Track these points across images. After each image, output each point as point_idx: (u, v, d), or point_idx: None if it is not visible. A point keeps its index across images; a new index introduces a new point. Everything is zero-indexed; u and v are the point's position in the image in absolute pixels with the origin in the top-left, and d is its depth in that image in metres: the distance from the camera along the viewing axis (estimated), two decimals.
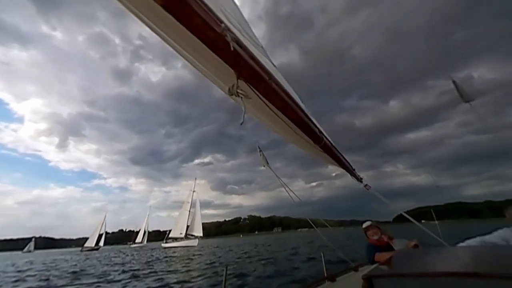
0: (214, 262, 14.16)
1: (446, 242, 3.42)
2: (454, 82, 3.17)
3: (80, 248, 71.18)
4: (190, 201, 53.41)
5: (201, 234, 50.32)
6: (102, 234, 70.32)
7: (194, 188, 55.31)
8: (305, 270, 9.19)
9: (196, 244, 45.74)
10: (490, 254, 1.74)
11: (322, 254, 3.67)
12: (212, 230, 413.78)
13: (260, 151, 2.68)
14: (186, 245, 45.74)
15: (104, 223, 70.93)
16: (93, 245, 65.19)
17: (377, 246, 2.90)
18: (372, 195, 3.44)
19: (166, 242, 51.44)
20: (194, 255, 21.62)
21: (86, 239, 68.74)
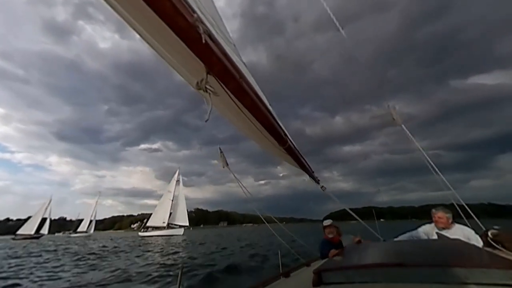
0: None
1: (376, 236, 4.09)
2: (388, 106, 3.79)
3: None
4: (172, 190, 51.20)
5: (187, 224, 48.79)
6: (45, 219, 56.90)
7: (177, 177, 53.31)
8: None
9: (181, 233, 43.99)
10: (414, 247, 2.18)
11: (279, 252, 3.95)
12: None
13: (221, 152, 2.66)
14: (171, 234, 43.49)
15: (49, 208, 58.37)
16: (33, 232, 52.32)
17: (330, 243, 3.25)
18: (313, 195, 3.82)
19: (144, 231, 48.17)
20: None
21: None
